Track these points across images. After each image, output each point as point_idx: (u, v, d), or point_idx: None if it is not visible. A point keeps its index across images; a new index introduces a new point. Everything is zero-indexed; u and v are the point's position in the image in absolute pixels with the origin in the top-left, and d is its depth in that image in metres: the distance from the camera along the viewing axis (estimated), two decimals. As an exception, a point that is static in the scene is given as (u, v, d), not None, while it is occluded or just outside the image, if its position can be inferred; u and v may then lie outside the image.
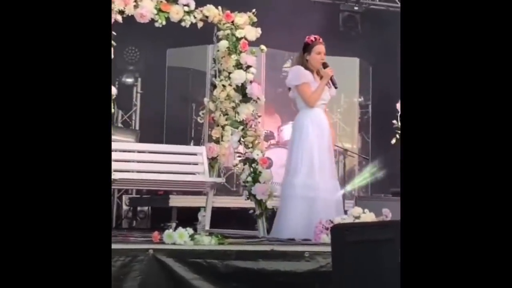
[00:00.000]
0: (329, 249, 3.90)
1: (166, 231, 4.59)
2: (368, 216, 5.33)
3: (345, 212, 6.15)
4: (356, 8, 9.91)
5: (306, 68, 5.83)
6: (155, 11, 5.81)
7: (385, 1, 10.10)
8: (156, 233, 4.69)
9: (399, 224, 3.59)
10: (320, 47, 5.88)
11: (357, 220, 5.32)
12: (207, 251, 4.37)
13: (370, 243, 3.44)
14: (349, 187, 8.58)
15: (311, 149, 5.68)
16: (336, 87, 5.87)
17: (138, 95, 9.13)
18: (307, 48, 5.90)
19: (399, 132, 6.38)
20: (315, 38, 5.92)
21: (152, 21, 5.82)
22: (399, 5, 10.06)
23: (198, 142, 7.66)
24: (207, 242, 4.56)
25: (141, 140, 7.99)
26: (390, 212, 5.39)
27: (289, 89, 5.92)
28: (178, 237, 4.50)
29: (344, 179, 8.79)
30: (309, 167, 5.64)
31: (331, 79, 5.79)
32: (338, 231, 3.71)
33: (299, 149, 5.71)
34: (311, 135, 5.71)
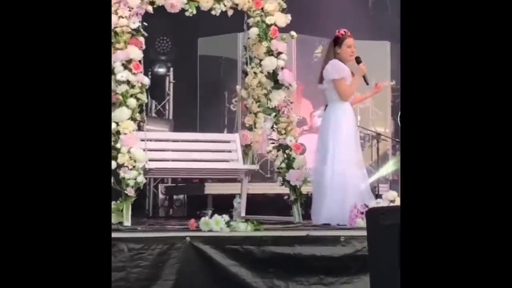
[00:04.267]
0: (364, 233, 3.91)
1: (203, 219, 4.64)
2: (403, 200, 5.32)
3: (380, 196, 6.16)
4: (385, -10, 9.84)
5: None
6: (185, 1, 5.84)
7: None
8: (192, 220, 4.74)
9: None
10: (350, 41, 5.92)
11: (392, 204, 5.32)
12: (243, 237, 4.42)
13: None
14: (383, 171, 8.56)
15: (340, 139, 5.77)
16: (367, 84, 5.95)
17: (171, 84, 9.18)
18: (337, 41, 5.94)
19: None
20: (344, 31, 5.97)
21: (183, 10, 5.85)
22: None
23: (231, 130, 7.70)
24: (243, 228, 4.60)
25: (175, 129, 8.06)
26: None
27: (321, 80, 5.93)
28: (215, 224, 4.55)
29: (378, 163, 8.79)
30: (338, 156, 5.73)
31: (363, 75, 5.86)
32: (373, 215, 3.72)
33: (329, 139, 5.80)
34: (339, 127, 5.79)
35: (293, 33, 6.30)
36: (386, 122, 9.64)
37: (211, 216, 4.71)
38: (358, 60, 5.89)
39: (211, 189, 7.07)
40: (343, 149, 5.75)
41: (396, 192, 5.48)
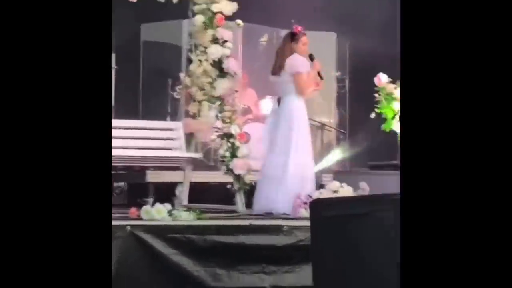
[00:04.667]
0: (307, 223, 3.92)
1: (144, 207, 4.58)
2: (346, 191, 5.37)
3: (323, 186, 6.19)
4: (333, -19, 9.84)
5: None
6: (130, -14, 5.74)
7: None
8: (133, 209, 4.68)
9: (376, 198, 3.62)
10: (306, 38, 6.07)
11: (335, 194, 5.36)
12: (185, 226, 4.38)
13: (347, 218, 3.44)
14: (327, 161, 8.61)
15: (296, 131, 5.90)
16: (322, 78, 6.12)
17: (113, 70, 9.02)
18: (294, 37, 6.06)
19: (379, 106, 6.43)
20: (302, 28, 6.10)
21: (127, -5, 5.76)
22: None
23: (175, 118, 7.61)
24: (186, 217, 4.56)
25: (117, 116, 7.92)
26: (367, 186, 5.42)
27: (275, 71, 6.04)
28: (156, 213, 4.50)
29: (322, 153, 8.84)
30: (293, 147, 5.84)
31: (318, 73, 6.04)
32: (316, 206, 3.72)
33: (282, 131, 5.92)
34: (295, 120, 5.93)
35: (239, 21, 6.27)
36: (330, 112, 9.69)
37: (152, 205, 4.65)
38: (311, 57, 6.04)
39: (153, 177, 6.96)
40: (299, 142, 5.87)
41: (338, 183, 5.51)
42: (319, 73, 6.04)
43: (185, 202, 6.00)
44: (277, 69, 6.01)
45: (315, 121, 9.20)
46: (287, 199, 5.48)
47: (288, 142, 5.86)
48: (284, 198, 5.54)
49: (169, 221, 4.48)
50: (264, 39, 9.89)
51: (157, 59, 9.13)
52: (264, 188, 5.81)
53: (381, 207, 3.30)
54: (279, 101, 6.09)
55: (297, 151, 5.85)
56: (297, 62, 5.94)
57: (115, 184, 8.22)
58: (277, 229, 4.49)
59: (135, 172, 7.64)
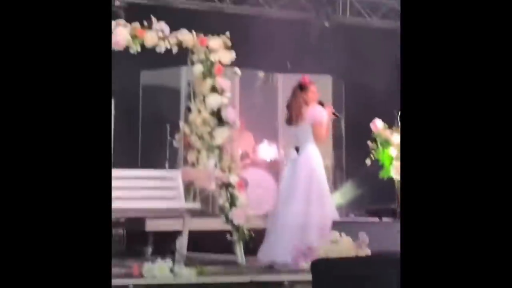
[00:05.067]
0: (308, 277, 3.93)
1: (146, 265, 4.59)
2: (345, 241, 5.36)
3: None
4: (326, 24, 9.95)
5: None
6: (130, 38, 5.81)
7: (356, 16, 10.17)
8: (135, 266, 4.68)
9: (379, 260, 3.65)
10: (314, 87, 6.31)
11: (334, 244, 5.35)
12: (187, 285, 4.38)
13: (351, 279, 3.47)
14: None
15: (315, 181, 6.07)
16: (338, 117, 6.53)
17: (112, 116, 9.04)
18: (303, 87, 6.27)
19: (375, 152, 6.46)
20: (309, 79, 6.35)
21: (127, 47, 5.82)
22: (368, 19, 10.15)
23: (173, 165, 7.64)
24: (187, 274, 4.57)
25: (116, 162, 7.94)
26: (367, 237, 5.41)
27: (291, 121, 6.22)
28: (158, 270, 4.51)
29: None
30: (306, 195, 5.98)
31: (333, 113, 6.31)
32: (319, 266, 3.74)
33: (297, 179, 6.06)
34: (314, 169, 6.11)
35: (237, 70, 6.36)
36: (327, 154, 9.70)
37: (151, 253, 4.66)
38: (321, 103, 6.25)
39: (152, 225, 6.98)
40: (320, 190, 6.05)
41: (337, 232, 5.50)
42: (334, 114, 6.30)
43: (185, 251, 6.00)
44: (294, 119, 6.18)
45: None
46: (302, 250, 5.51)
47: (309, 191, 5.99)
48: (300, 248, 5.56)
49: (170, 279, 4.49)
50: (261, 82, 9.95)
51: (156, 104, 9.17)
52: (275, 237, 5.83)
53: (384, 269, 3.33)
54: (297, 150, 6.22)
55: (319, 200, 5.99)
56: (318, 112, 6.17)
57: (114, 232, 8.22)
58: (278, 285, 4.50)
59: (134, 220, 7.65)
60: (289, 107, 6.29)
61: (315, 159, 6.17)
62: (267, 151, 8.94)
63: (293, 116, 6.20)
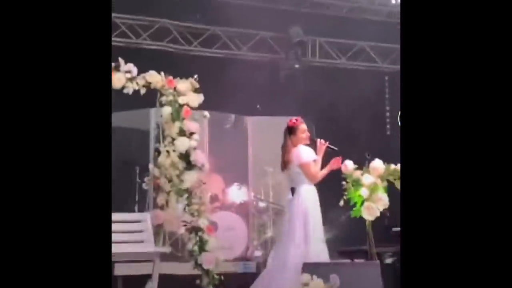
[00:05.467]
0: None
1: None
2: (317, 283, 5.30)
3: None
4: (296, 65, 10.02)
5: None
6: (96, 80, 5.76)
7: (326, 58, 10.25)
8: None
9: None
10: (303, 126, 6.37)
11: (305, 287, 5.29)
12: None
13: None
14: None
15: (311, 221, 6.15)
16: (336, 150, 6.42)
17: (80, 158, 8.96)
18: (291, 130, 6.37)
19: (346, 193, 6.44)
20: (296, 119, 6.40)
21: (94, 90, 5.76)
22: (338, 60, 10.23)
23: (142, 207, 7.56)
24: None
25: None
26: (338, 279, 5.36)
27: (284, 166, 6.35)
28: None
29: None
30: (303, 237, 6.08)
31: (328, 147, 6.35)
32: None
33: (295, 221, 6.15)
34: (309, 210, 6.17)
35: (205, 113, 6.31)
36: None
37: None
38: (314, 141, 6.36)
39: (122, 269, 6.85)
40: (315, 231, 6.11)
41: (309, 275, 5.44)
42: (330, 147, 6.32)
43: (155, 295, 5.89)
44: (284, 164, 6.31)
45: (283, 207, 9.19)
46: None
47: (306, 232, 6.07)
48: None
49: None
50: (230, 124, 9.95)
51: (125, 147, 9.10)
52: (271, 277, 5.95)
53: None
54: (292, 191, 6.28)
55: (314, 240, 6.07)
56: (300, 153, 6.25)
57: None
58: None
59: (103, 265, 7.51)
60: (282, 152, 6.40)
61: (309, 199, 6.22)
62: (237, 193, 8.89)
63: (284, 161, 6.32)
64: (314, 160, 6.31)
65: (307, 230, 6.11)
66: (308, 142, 6.34)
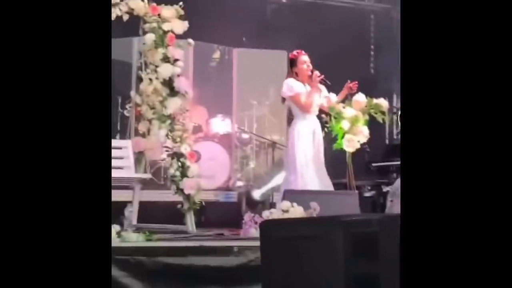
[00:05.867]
0: (257, 243, 3.91)
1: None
2: (297, 210, 5.36)
3: (274, 205, 6.20)
4: (284, 0, 9.94)
5: (297, 79, 6.42)
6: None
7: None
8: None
9: (326, 220, 3.63)
10: (303, 58, 6.46)
11: (285, 214, 5.35)
12: (134, 248, 4.32)
13: (297, 239, 3.45)
14: (278, 180, 8.61)
15: (304, 151, 6.28)
16: (329, 84, 6.47)
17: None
18: (292, 62, 6.52)
19: (328, 125, 6.47)
20: (297, 52, 6.50)
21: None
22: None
23: (124, 136, 7.54)
24: (134, 239, 4.50)
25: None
26: (318, 206, 5.43)
27: (283, 100, 6.55)
28: (105, 234, 4.42)
29: (273, 171, 8.85)
30: (304, 166, 6.25)
31: (320, 81, 6.38)
32: (266, 227, 3.72)
33: (295, 151, 6.31)
34: (303, 139, 6.31)
35: (190, 40, 6.25)
36: (281, 130, 9.72)
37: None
38: (312, 72, 6.40)
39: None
40: (311, 160, 6.26)
41: (289, 202, 5.50)
42: (324, 81, 6.38)
43: (135, 222, 5.92)
44: (282, 97, 6.52)
45: (266, 139, 9.23)
46: None
47: (304, 163, 6.27)
48: None
49: (117, 243, 4.41)
50: (216, 55, 9.89)
51: (107, 77, 9.03)
52: None
53: (329, 229, 3.31)
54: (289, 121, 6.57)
55: (313, 170, 6.28)
56: (286, 86, 6.45)
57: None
58: (227, 250, 4.47)
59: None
60: None
61: (303, 130, 6.35)
62: (220, 125, 8.89)
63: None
64: (298, 93, 6.36)
65: (303, 161, 6.25)
66: (309, 73, 6.38)
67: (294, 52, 6.50)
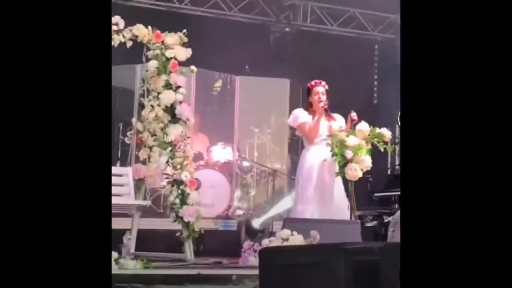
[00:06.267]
0: (256, 272, 3.85)
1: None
2: (297, 239, 5.31)
3: (274, 234, 6.13)
4: (287, 29, 9.96)
5: (310, 109, 6.51)
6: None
7: (316, 23, 10.18)
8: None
9: (327, 248, 3.58)
10: (318, 89, 6.53)
11: (285, 243, 5.30)
12: (132, 275, 4.26)
13: (298, 267, 3.39)
14: (278, 208, 8.55)
15: (309, 179, 6.34)
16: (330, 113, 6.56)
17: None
18: (309, 91, 6.59)
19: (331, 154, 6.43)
20: (315, 82, 6.60)
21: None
22: (329, 26, 10.17)
23: (124, 163, 7.50)
24: (132, 266, 4.44)
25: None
26: (318, 235, 5.37)
27: (293, 128, 6.89)
28: (102, 261, 4.36)
29: (273, 200, 8.80)
30: (310, 195, 6.30)
31: (326, 110, 6.48)
32: (266, 254, 3.67)
33: (299, 180, 6.44)
34: (308, 169, 6.37)
35: (193, 67, 6.24)
36: (283, 158, 9.69)
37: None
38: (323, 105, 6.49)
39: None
40: (319, 189, 6.30)
41: (289, 231, 5.45)
42: (326, 111, 6.45)
43: (133, 249, 5.85)
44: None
45: (267, 167, 9.19)
46: None
47: (307, 190, 6.34)
48: None
49: (115, 270, 4.35)
50: (217, 84, 9.90)
51: (108, 104, 9.01)
52: None
53: (330, 257, 3.26)
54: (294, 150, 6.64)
55: (314, 197, 6.32)
56: (290, 117, 6.60)
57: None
58: (226, 279, 4.41)
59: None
60: None
61: (309, 159, 6.41)
62: (221, 152, 8.85)
63: None
64: (304, 123, 6.43)
65: (303, 187, 6.31)
66: (321, 105, 6.44)
67: (312, 82, 6.59)
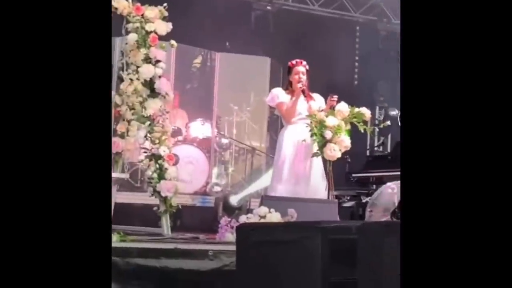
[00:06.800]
0: (233, 247, 3.86)
1: (65, 227, 4.42)
2: (274, 216, 5.31)
3: (251, 211, 6.14)
4: (268, 7, 9.92)
5: (290, 88, 6.45)
6: (62, 0, 5.59)
7: (298, 2, 10.15)
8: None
9: (304, 225, 3.59)
10: (299, 68, 6.45)
11: (262, 220, 5.30)
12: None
13: (274, 244, 3.40)
14: (255, 186, 8.57)
15: (286, 159, 6.31)
16: (306, 96, 6.47)
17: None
18: (289, 70, 6.53)
19: (309, 133, 6.42)
20: (296, 61, 6.52)
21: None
22: (311, 6, 10.14)
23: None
24: (108, 239, 4.40)
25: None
26: (295, 213, 5.38)
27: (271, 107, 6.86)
28: (78, 233, 4.34)
29: (251, 178, 8.81)
30: (287, 174, 6.29)
31: (303, 92, 6.39)
32: (243, 231, 3.67)
33: (278, 159, 6.41)
34: (286, 148, 6.35)
35: (173, 42, 6.19)
36: (261, 136, 9.69)
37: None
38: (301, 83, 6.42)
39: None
40: (290, 169, 6.28)
41: (266, 208, 5.45)
42: (303, 93, 6.37)
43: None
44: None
45: (246, 145, 9.19)
46: None
47: (285, 168, 6.32)
48: None
49: (91, 243, 4.32)
50: (197, 60, 9.84)
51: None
52: None
53: (307, 235, 3.27)
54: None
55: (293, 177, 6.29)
56: (269, 96, 6.60)
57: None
58: (202, 254, 4.40)
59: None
60: None
61: (286, 138, 6.40)
62: (200, 129, 8.83)
63: None
64: (281, 103, 6.39)
65: (282, 166, 6.27)
66: (300, 85, 6.37)
67: (293, 61, 6.52)
